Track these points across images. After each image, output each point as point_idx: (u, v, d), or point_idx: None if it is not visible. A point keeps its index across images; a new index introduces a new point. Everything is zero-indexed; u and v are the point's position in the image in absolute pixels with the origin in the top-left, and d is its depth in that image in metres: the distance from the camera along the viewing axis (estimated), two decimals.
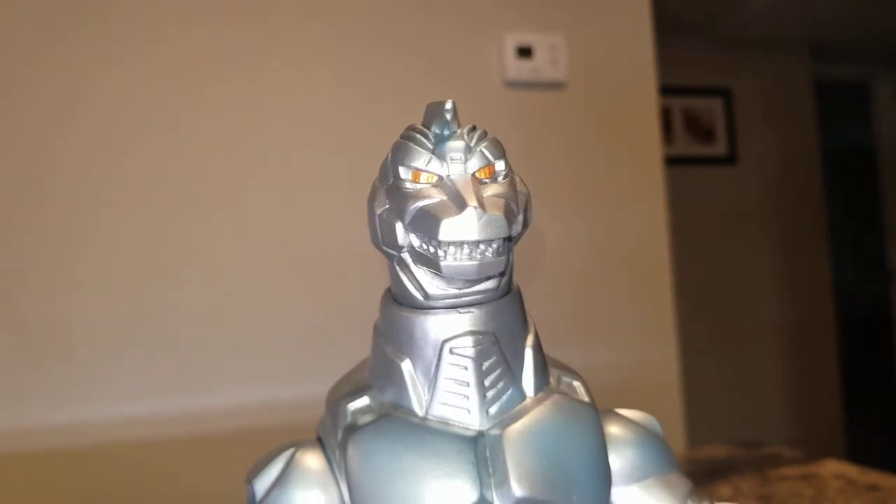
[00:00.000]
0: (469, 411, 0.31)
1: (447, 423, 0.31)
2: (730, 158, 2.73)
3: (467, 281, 0.31)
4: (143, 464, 1.02)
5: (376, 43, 1.17)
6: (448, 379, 0.31)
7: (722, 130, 2.72)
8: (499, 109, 1.25)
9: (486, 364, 0.31)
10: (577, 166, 1.30)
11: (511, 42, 1.24)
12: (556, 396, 0.32)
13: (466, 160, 0.31)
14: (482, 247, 0.29)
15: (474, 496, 0.30)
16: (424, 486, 0.30)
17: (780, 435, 2.67)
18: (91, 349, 1.01)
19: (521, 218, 0.31)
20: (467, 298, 0.31)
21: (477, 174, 0.31)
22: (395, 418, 0.31)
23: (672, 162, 1.53)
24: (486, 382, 0.31)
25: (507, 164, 0.32)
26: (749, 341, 2.73)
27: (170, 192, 1.06)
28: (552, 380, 0.33)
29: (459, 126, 0.32)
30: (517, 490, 0.30)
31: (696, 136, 2.67)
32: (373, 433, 0.31)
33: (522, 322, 0.33)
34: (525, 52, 1.25)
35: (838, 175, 3.73)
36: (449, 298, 0.31)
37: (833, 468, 0.83)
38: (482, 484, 0.30)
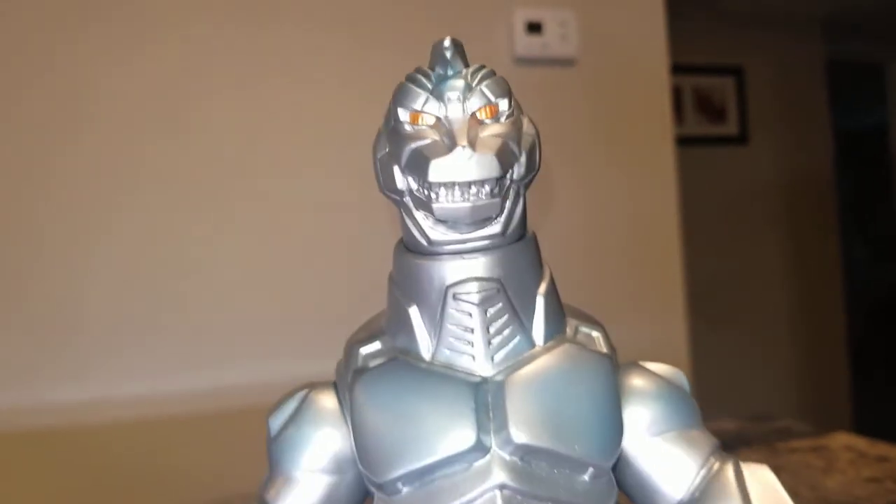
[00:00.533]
0: (474, 357, 0.31)
1: (452, 369, 0.31)
2: (741, 138, 2.71)
3: (469, 225, 0.30)
4: (155, 441, 1.03)
5: (383, 17, 1.17)
6: (453, 325, 0.31)
7: (733, 110, 2.70)
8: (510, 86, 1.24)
9: (490, 310, 0.31)
10: (586, 144, 1.29)
11: (521, 17, 1.23)
12: (566, 345, 0.31)
13: (465, 100, 0.30)
14: (474, 188, 0.28)
15: (471, 440, 0.29)
16: (422, 428, 0.30)
17: (789, 414, 2.67)
18: (104, 329, 1.02)
19: (524, 159, 0.31)
20: (472, 244, 0.31)
21: (478, 114, 0.30)
22: (401, 362, 0.31)
23: (682, 142, 1.52)
24: (491, 329, 0.31)
25: (512, 103, 0.31)
26: (758, 322, 2.73)
27: (183, 178, 1.07)
28: (569, 329, 0.33)
29: (467, 65, 0.32)
30: (516, 436, 0.29)
31: (707, 115, 2.65)
32: (378, 375, 0.31)
33: (535, 269, 0.32)
34: (535, 28, 1.24)
35: (850, 156, 3.70)
36: (453, 244, 0.31)
37: (843, 440, 0.83)
38: (480, 428, 0.29)
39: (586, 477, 0.30)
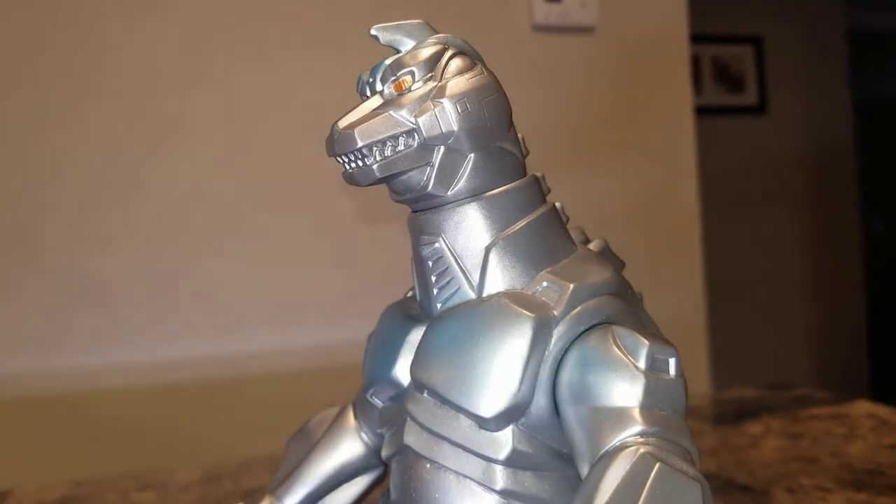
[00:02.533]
0: (429, 303, 0.35)
1: (422, 311, 0.36)
2: (760, 108, 2.68)
3: (402, 191, 0.34)
4: (179, 405, 1.05)
5: None
6: (417, 274, 0.35)
7: (752, 80, 2.66)
8: (526, 55, 1.23)
9: (433, 262, 0.34)
10: (604, 113, 1.28)
11: None
12: (497, 299, 0.32)
13: (378, 79, 0.34)
14: (350, 159, 0.33)
15: (388, 371, 0.36)
16: (376, 358, 0.37)
17: (807, 385, 2.67)
18: (132, 294, 1.03)
19: (422, 125, 0.33)
20: (422, 203, 0.35)
21: (388, 91, 0.34)
22: (400, 302, 0.38)
23: (700, 111, 1.50)
24: (436, 279, 0.34)
25: (421, 73, 0.34)
26: (776, 293, 2.72)
27: (211, 145, 1.07)
28: (535, 282, 0.33)
29: (420, 46, 0.35)
30: (414, 372, 0.33)
31: (726, 85, 2.62)
32: (383, 312, 0.39)
33: (491, 226, 0.34)
34: None
35: (870, 127, 3.66)
36: (410, 203, 0.35)
37: (864, 408, 0.83)
38: (398, 363, 0.35)
39: (473, 424, 0.32)
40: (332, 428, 0.42)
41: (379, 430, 0.38)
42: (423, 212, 0.35)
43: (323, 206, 1.12)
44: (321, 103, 1.11)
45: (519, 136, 0.37)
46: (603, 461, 0.28)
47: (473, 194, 0.34)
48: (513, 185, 0.34)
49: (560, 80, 1.25)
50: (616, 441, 0.29)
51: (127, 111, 1.04)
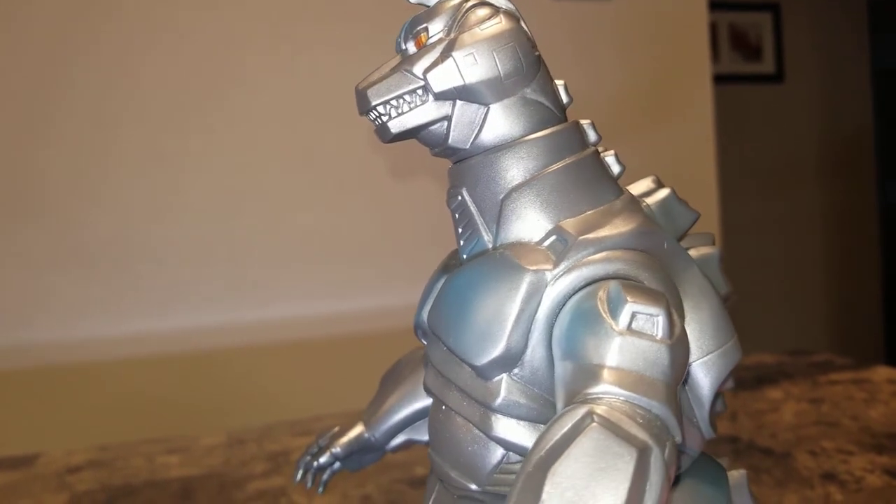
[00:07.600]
0: (460, 253, 0.35)
1: (458, 260, 0.36)
2: (777, 77, 2.65)
3: (430, 146, 0.35)
4: (204, 374, 1.06)
5: None
6: (453, 225, 0.35)
7: (770, 47, 2.63)
8: (546, 22, 1.22)
9: (458, 214, 0.35)
10: (621, 80, 1.27)
11: None
12: (500, 251, 0.32)
13: (405, 37, 0.34)
14: (373, 117, 0.33)
15: (419, 317, 0.37)
16: (419, 303, 0.37)
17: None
18: (156, 266, 1.05)
19: (431, 77, 0.32)
20: (452, 157, 0.35)
21: (410, 48, 0.34)
22: (449, 253, 0.38)
23: (716, 80, 1.48)
24: (460, 231, 0.35)
25: (436, 27, 0.34)
26: (792, 261, 2.70)
27: (256, 128, 1.09)
28: (546, 236, 0.32)
29: (444, 0, 0.34)
30: (427, 319, 0.34)
31: (743, 53, 2.59)
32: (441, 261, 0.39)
33: (509, 177, 0.33)
34: None
35: (889, 96, 3.61)
36: (442, 157, 0.35)
37: (885, 374, 0.83)
38: (425, 309, 0.36)
39: (471, 371, 0.32)
40: (419, 367, 0.44)
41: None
42: (453, 165, 0.35)
43: (354, 180, 1.12)
44: (347, 81, 1.11)
45: (560, 82, 0.35)
46: (555, 417, 0.27)
47: (494, 145, 0.33)
48: (536, 134, 0.33)
49: (578, 48, 1.24)
50: (578, 398, 0.27)
51: (189, 89, 1.05)
